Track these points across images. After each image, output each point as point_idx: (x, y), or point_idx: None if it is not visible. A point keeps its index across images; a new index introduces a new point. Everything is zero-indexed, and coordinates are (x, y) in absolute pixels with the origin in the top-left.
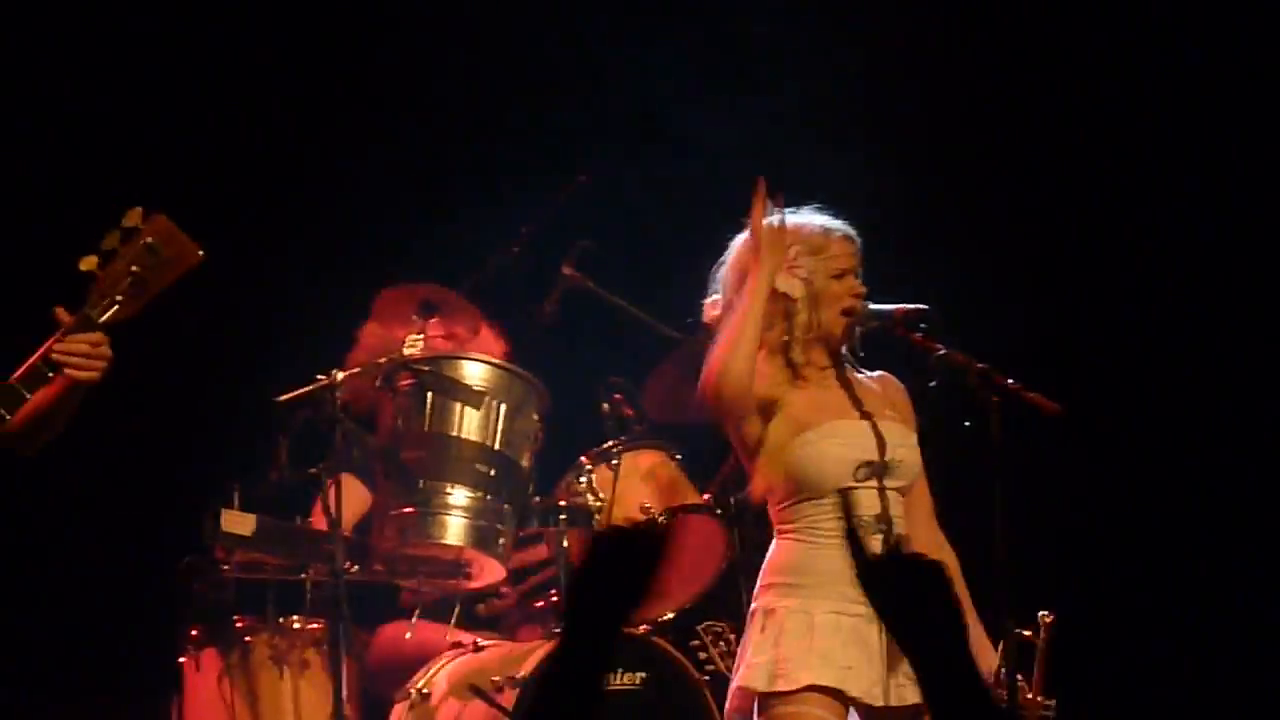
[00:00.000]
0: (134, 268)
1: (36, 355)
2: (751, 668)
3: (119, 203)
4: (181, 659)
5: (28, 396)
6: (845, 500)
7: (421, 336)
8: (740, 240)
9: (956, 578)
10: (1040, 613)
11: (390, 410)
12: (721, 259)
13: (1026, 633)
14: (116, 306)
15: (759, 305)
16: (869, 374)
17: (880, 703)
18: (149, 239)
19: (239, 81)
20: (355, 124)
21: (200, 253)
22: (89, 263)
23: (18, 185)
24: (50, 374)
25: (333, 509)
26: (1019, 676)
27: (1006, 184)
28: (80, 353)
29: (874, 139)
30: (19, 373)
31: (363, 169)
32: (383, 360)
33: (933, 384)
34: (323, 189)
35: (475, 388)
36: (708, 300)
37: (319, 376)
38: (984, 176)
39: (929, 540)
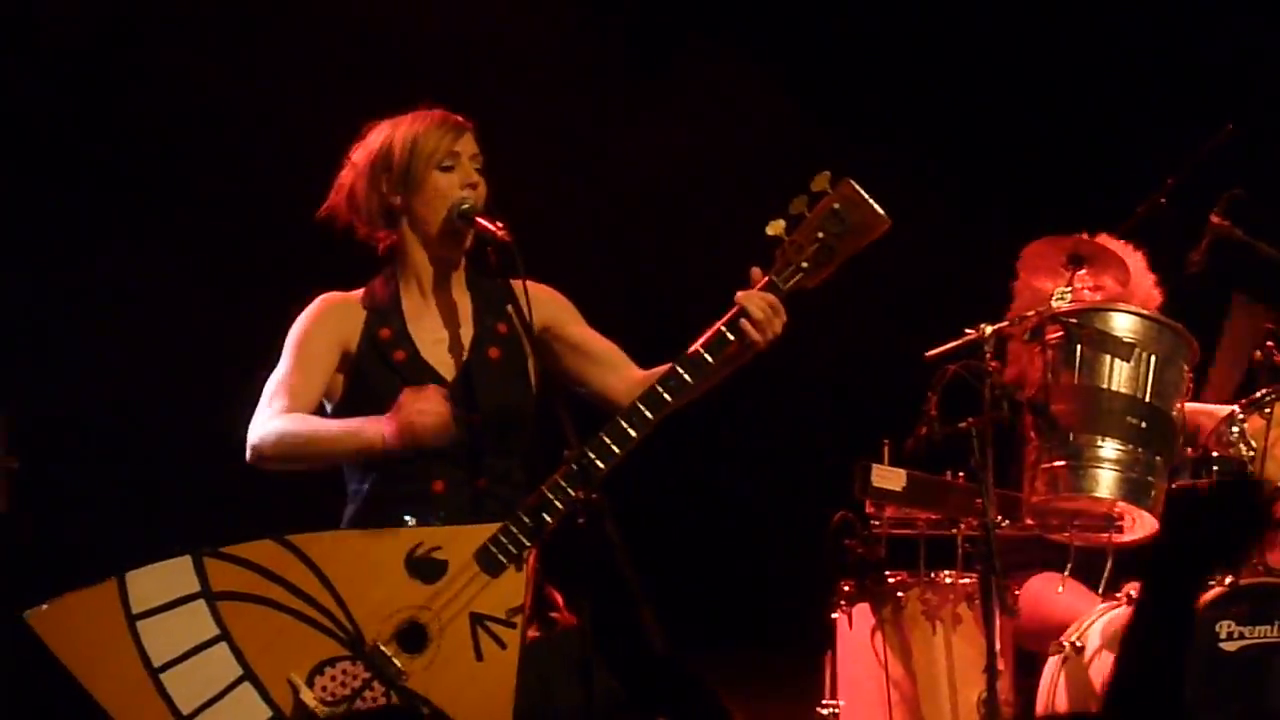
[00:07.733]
0: (820, 234)
1: (720, 322)
2: None
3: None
4: (835, 614)
5: (711, 362)
6: None
7: (1070, 289)
8: None
9: None
10: None
11: (1039, 364)
12: None
13: None
14: (801, 274)
15: None
16: None
17: None
18: (836, 205)
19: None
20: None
21: (889, 221)
22: (776, 227)
23: None
24: (730, 337)
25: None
26: None
27: None
28: (760, 315)
29: None
30: (703, 339)
31: (1007, 124)
32: (1030, 313)
33: None
34: (972, 145)
35: (1125, 339)
36: None
37: (968, 331)
38: None
39: None
